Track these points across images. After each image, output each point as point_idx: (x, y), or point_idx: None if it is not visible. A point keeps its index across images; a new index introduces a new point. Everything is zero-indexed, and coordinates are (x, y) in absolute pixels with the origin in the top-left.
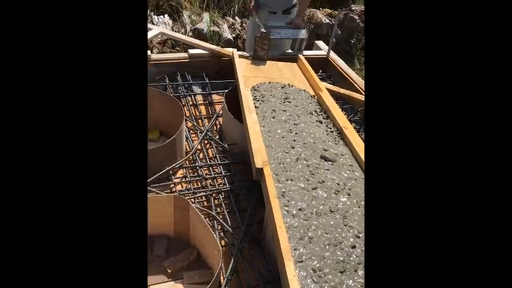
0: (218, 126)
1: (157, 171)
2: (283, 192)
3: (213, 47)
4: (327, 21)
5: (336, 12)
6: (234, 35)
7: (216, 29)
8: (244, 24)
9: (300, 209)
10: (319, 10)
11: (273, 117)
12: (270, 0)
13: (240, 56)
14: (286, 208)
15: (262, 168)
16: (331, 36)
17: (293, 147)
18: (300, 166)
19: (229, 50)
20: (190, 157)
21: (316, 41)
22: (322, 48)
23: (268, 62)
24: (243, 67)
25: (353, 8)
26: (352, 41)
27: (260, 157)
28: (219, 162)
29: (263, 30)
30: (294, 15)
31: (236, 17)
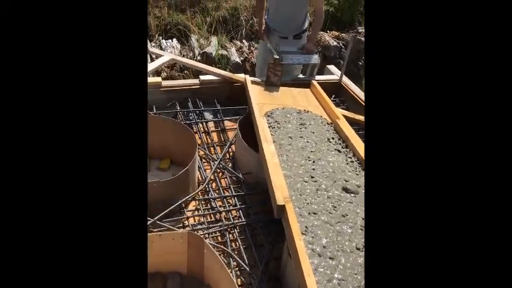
0: (231, 153)
1: (170, 204)
2: (306, 227)
3: (224, 72)
4: (335, 43)
5: (343, 34)
6: (242, 58)
7: (224, 52)
8: (252, 48)
9: (324, 247)
10: (327, 32)
11: (290, 145)
12: (280, 25)
13: (252, 82)
14: (311, 246)
15: (284, 206)
16: (344, 61)
17: (312, 177)
18: (321, 198)
19: (241, 76)
20: (203, 188)
21: (328, 66)
22: (334, 73)
23: (281, 88)
24: (256, 94)
25: (360, 30)
26: (360, 63)
27: (281, 193)
28: (233, 193)
29: (276, 56)
30: (304, 40)
31: (244, 40)
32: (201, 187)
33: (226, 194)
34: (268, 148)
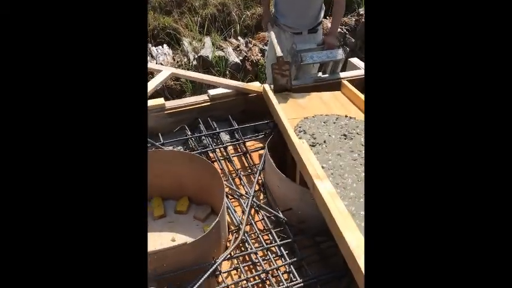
0: (260, 180)
1: (202, 269)
2: None
3: (236, 83)
4: (339, 30)
5: (345, 19)
6: (241, 58)
7: (221, 53)
8: (249, 45)
9: None
10: (326, 19)
11: (341, 167)
12: (293, 18)
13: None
14: None
15: None
16: None
17: None
18: None
19: (256, 85)
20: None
21: (350, 59)
22: (359, 67)
23: (309, 95)
24: (281, 106)
25: (361, 13)
26: None
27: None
28: (278, 241)
29: (279, 54)
30: (320, 34)
31: (239, 38)
32: (237, 241)
33: (267, 240)
34: (324, 187)
